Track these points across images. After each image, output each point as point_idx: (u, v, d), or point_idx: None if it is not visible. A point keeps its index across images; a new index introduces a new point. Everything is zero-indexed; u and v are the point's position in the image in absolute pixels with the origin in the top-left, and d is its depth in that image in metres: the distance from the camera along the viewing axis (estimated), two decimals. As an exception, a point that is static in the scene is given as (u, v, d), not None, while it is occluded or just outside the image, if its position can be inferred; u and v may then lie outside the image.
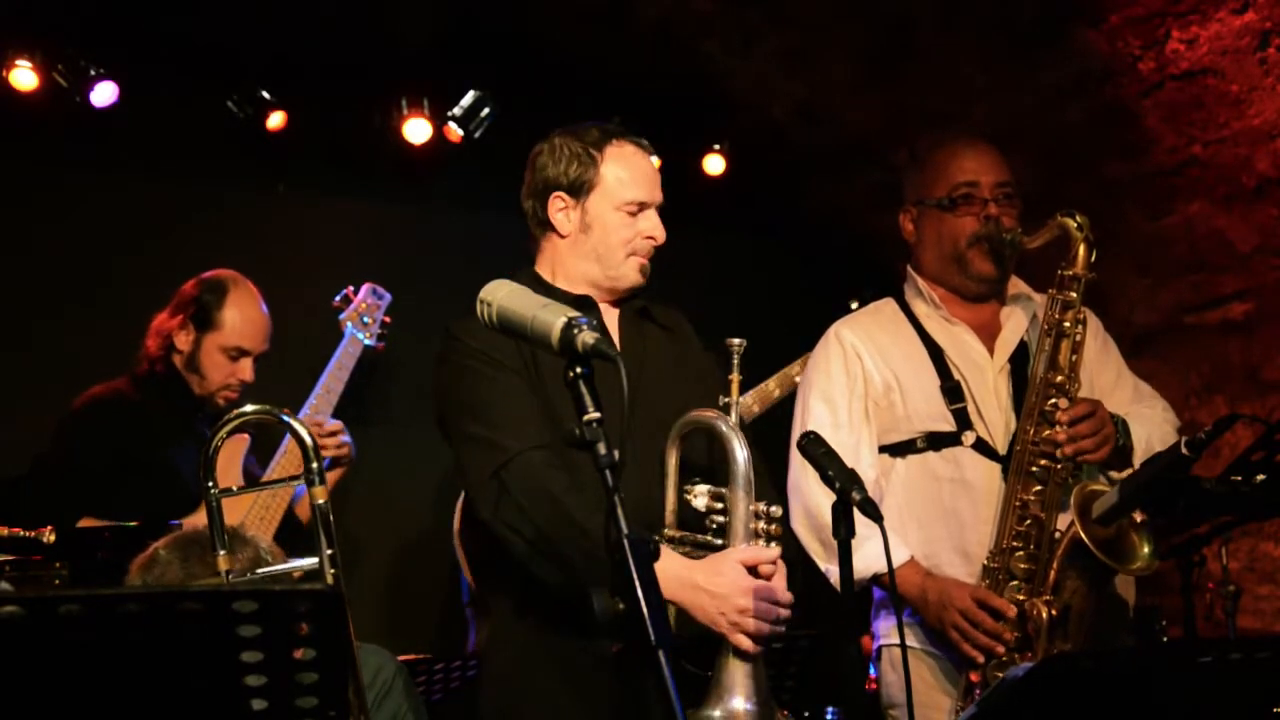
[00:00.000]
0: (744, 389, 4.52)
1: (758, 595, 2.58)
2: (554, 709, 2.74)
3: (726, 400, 2.77)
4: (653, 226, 2.91)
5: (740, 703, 2.56)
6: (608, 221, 2.89)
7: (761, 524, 2.67)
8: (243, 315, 4.00)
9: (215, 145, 4.93)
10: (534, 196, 2.95)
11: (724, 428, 2.68)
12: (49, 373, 4.50)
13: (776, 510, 2.67)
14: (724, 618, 2.56)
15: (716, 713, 2.54)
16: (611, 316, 2.95)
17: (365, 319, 4.52)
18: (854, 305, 4.38)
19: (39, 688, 1.64)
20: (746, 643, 2.57)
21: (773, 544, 2.67)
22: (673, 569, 2.57)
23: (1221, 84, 4.21)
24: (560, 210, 2.92)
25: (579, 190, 2.90)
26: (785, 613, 2.62)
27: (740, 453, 2.65)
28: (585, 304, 2.89)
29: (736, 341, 2.79)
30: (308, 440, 2.28)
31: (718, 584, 2.57)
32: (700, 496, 2.71)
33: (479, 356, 2.78)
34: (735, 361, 2.78)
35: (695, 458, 2.79)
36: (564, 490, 2.65)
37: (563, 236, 2.93)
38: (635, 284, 2.93)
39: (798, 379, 4.36)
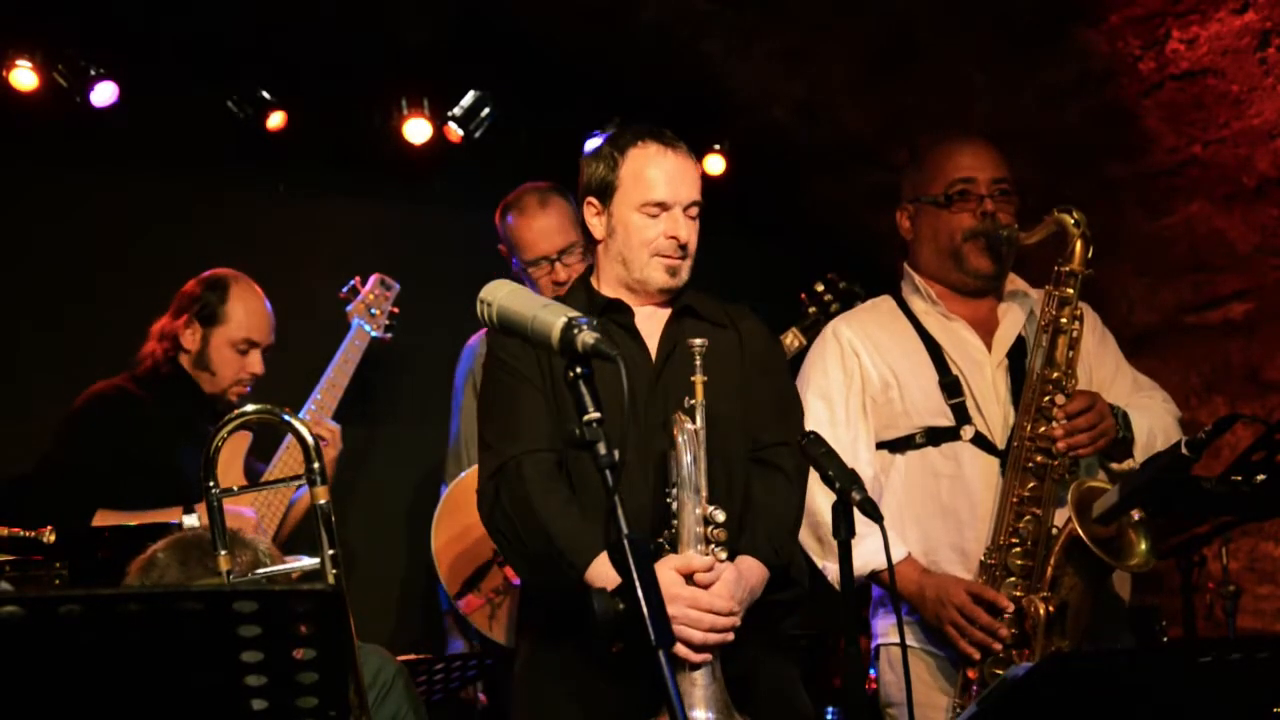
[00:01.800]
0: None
1: (686, 604, 2.57)
2: (557, 708, 2.76)
3: (693, 402, 2.75)
4: (674, 226, 2.88)
5: (699, 714, 2.55)
6: (629, 223, 2.89)
7: (710, 529, 2.66)
8: (247, 308, 4.02)
9: (215, 145, 4.93)
10: (581, 203, 2.97)
11: (676, 431, 2.68)
12: (50, 373, 4.50)
13: (720, 515, 2.67)
14: None
15: None
16: (660, 317, 2.94)
17: (373, 311, 4.52)
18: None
19: (39, 688, 1.64)
20: (683, 650, 2.57)
21: (718, 549, 2.66)
22: (606, 574, 2.54)
23: (1221, 84, 4.21)
24: (594, 215, 2.94)
25: (605, 194, 2.91)
26: (723, 621, 2.60)
27: (685, 457, 2.65)
28: (616, 307, 2.90)
29: (698, 342, 2.78)
30: (309, 440, 2.28)
31: None
32: (674, 500, 2.70)
33: (503, 366, 2.84)
34: (698, 363, 2.76)
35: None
36: (540, 494, 2.69)
37: (598, 241, 2.95)
38: (663, 285, 2.91)
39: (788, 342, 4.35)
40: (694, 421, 2.71)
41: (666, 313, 2.95)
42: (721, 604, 2.60)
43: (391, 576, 5.08)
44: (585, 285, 2.98)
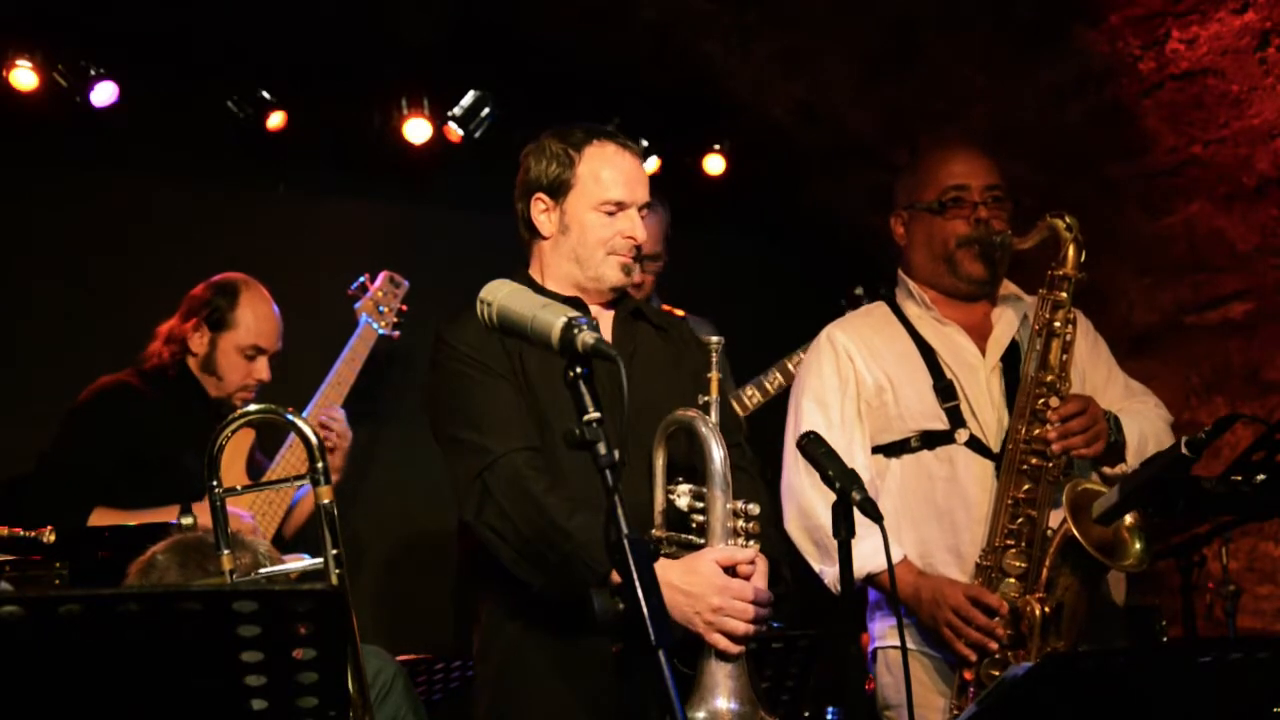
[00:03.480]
0: (738, 384, 4.53)
1: (733, 595, 2.57)
2: (549, 710, 2.73)
3: (706, 399, 2.75)
4: (631, 226, 2.87)
5: (723, 703, 2.55)
6: (585, 222, 2.87)
7: (740, 522, 2.66)
8: (256, 314, 4.02)
9: (215, 145, 4.93)
10: (521, 198, 2.94)
11: (702, 427, 2.66)
12: (50, 372, 4.50)
13: (754, 508, 2.66)
14: (699, 617, 2.55)
15: (700, 714, 2.52)
16: (606, 318, 2.93)
17: (381, 308, 4.52)
18: (858, 292, 4.39)
19: (39, 688, 1.64)
20: (724, 642, 2.56)
21: (751, 543, 2.66)
22: None
23: (1221, 84, 4.21)
24: (542, 212, 2.91)
25: (558, 191, 2.88)
26: (763, 612, 2.61)
27: (717, 452, 2.63)
28: (574, 305, 2.88)
29: (715, 340, 2.78)
30: (313, 439, 2.28)
31: (692, 583, 2.55)
32: (683, 496, 2.69)
33: (467, 361, 2.79)
34: (714, 360, 2.77)
35: (682, 457, 2.78)
36: (544, 492, 2.66)
37: (545, 238, 2.92)
38: (618, 283, 2.90)
39: (794, 367, 4.38)
40: (713, 417, 2.72)
41: (611, 313, 2.94)
42: (763, 595, 2.61)
43: (395, 576, 5.08)
44: (526, 281, 2.90)
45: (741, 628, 2.57)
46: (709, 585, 2.56)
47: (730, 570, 2.61)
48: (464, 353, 2.80)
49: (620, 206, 2.87)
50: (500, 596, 2.80)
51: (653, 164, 5.17)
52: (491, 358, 2.78)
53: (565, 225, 2.89)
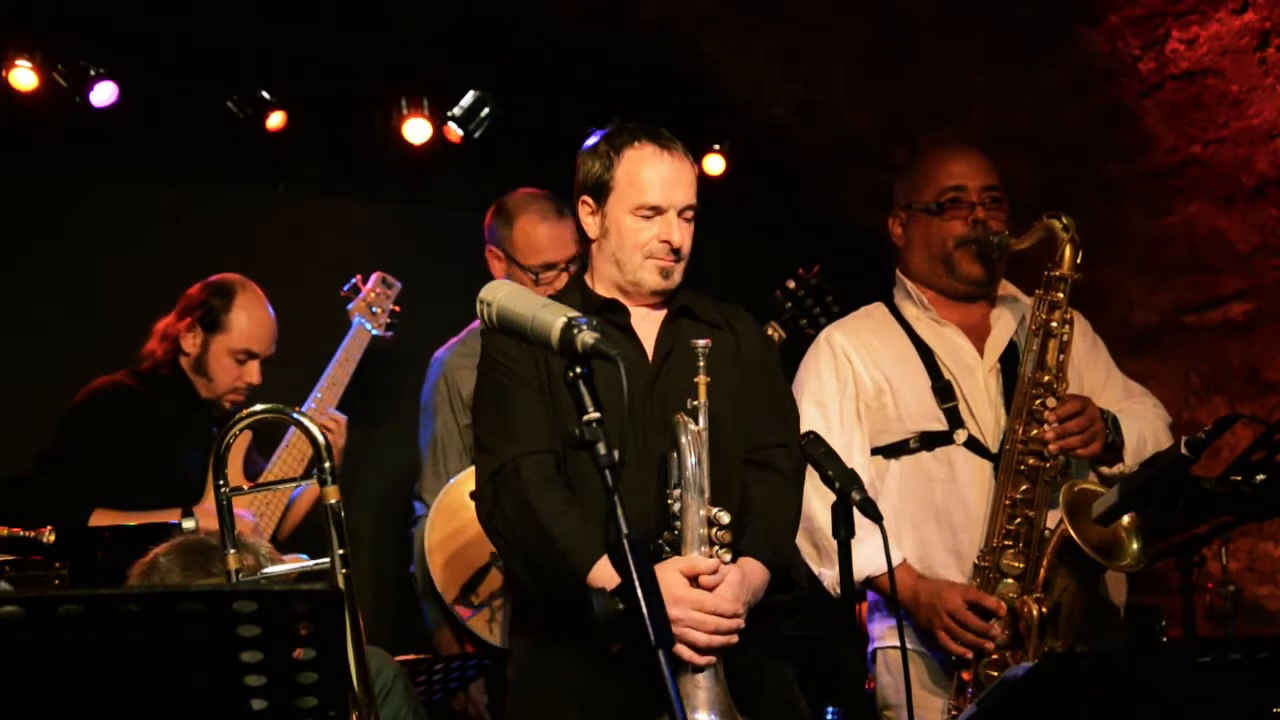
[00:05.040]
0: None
1: (691, 606, 2.57)
2: (555, 708, 2.74)
3: (696, 403, 2.73)
4: (667, 230, 2.85)
5: (702, 715, 2.55)
6: (622, 225, 2.86)
7: (714, 530, 2.65)
8: (250, 318, 4.01)
9: (215, 145, 4.92)
10: (575, 200, 2.96)
11: (679, 432, 2.66)
12: (49, 373, 4.50)
13: (725, 517, 2.66)
14: None
15: None
16: (655, 318, 2.92)
17: (374, 309, 4.52)
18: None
19: (39, 688, 1.64)
20: (687, 653, 2.56)
21: (722, 551, 2.66)
22: (607, 575, 2.52)
23: (1221, 84, 4.21)
24: (589, 214, 2.92)
25: (600, 193, 2.89)
26: (727, 623, 2.60)
27: (689, 458, 2.63)
28: (612, 307, 2.88)
29: (701, 343, 2.77)
30: (320, 439, 2.28)
31: None
32: (677, 501, 2.69)
33: (498, 367, 2.83)
34: (701, 364, 2.75)
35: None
36: (538, 496, 2.67)
37: (592, 240, 2.93)
38: (657, 287, 2.89)
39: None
40: (697, 422, 2.71)
41: (662, 313, 2.93)
42: (726, 606, 2.60)
43: (392, 576, 5.07)
44: (580, 284, 2.96)
45: (703, 639, 2.57)
46: (668, 596, 2.52)
47: (695, 580, 2.61)
48: (495, 359, 2.84)
49: (657, 211, 2.85)
50: (520, 597, 2.84)
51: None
52: (518, 363, 2.80)
53: (606, 228, 2.89)
